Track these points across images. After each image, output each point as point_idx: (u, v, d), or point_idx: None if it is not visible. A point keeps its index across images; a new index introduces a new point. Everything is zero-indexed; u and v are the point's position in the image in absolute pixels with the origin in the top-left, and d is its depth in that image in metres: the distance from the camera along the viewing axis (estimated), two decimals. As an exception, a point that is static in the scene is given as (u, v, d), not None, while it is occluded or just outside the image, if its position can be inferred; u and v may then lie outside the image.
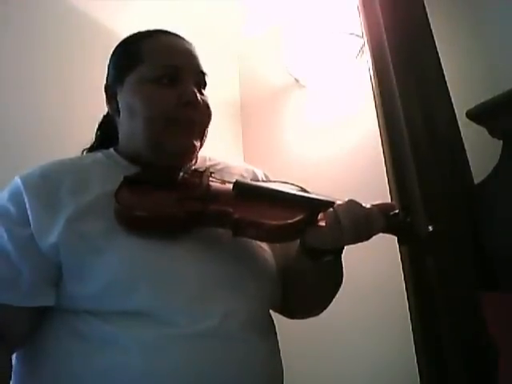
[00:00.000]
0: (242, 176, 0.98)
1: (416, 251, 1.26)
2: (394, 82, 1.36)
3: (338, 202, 0.81)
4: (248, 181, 0.96)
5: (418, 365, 1.24)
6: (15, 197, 0.82)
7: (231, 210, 0.81)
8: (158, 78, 0.90)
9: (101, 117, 1.05)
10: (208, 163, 0.99)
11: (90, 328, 0.77)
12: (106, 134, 1.02)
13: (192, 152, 0.92)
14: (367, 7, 1.49)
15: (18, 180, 0.84)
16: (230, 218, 0.80)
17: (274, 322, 0.93)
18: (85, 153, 1.02)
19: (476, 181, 1.28)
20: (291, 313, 1.01)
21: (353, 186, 1.61)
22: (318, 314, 1.00)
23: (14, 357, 0.83)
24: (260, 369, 0.80)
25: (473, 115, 1.26)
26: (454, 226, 1.21)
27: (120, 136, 0.96)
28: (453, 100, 1.33)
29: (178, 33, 0.97)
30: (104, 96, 0.97)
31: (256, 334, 0.82)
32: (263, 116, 2.15)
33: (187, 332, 0.76)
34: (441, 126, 1.32)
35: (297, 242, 0.86)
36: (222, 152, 1.32)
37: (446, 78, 1.34)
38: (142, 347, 0.74)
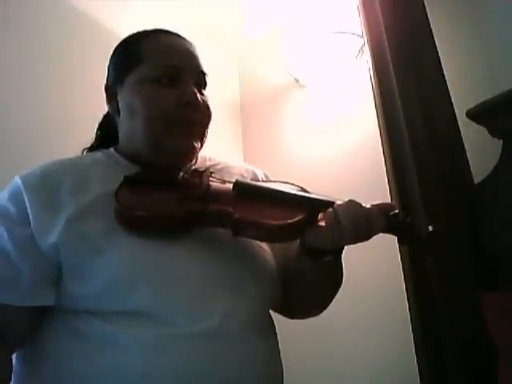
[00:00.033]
0: (242, 176, 0.98)
1: (416, 251, 1.25)
2: (394, 82, 1.36)
3: (338, 202, 0.81)
4: (248, 181, 0.96)
5: (418, 365, 1.23)
6: (15, 196, 0.82)
7: (231, 209, 0.81)
8: (158, 77, 0.90)
9: (101, 117, 1.05)
10: (208, 163, 0.99)
11: (91, 328, 0.77)
12: (106, 133, 1.02)
13: (192, 152, 0.92)
14: (367, 7, 1.49)
15: (18, 180, 0.84)
16: (230, 217, 0.80)
17: (274, 322, 0.93)
18: (85, 152, 1.02)
19: (476, 181, 1.28)
20: (291, 313, 1.01)
21: (353, 186, 1.61)
22: (318, 314, 1.00)
23: (14, 357, 0.82)
24: (260, 369, 0.80)
25: (473, 115, 1.26)
26: (453, 226, 1.21)
27: (120, 136, 0.96)
28: (453, 100, 1.33)
29: (178, 33, 0.97)
30: (104, 96, 0.97)
31: (256, 333, 0.82)
32: (263, 116, 2.15)
33: (187, 332, 0.76)
34: (441, 126, 1.32)
35: (297, 242, 0.86)
36: (222, 152, 1.32)
37: (446, 78, 1.34)
38: (142, 347, 0.74)
